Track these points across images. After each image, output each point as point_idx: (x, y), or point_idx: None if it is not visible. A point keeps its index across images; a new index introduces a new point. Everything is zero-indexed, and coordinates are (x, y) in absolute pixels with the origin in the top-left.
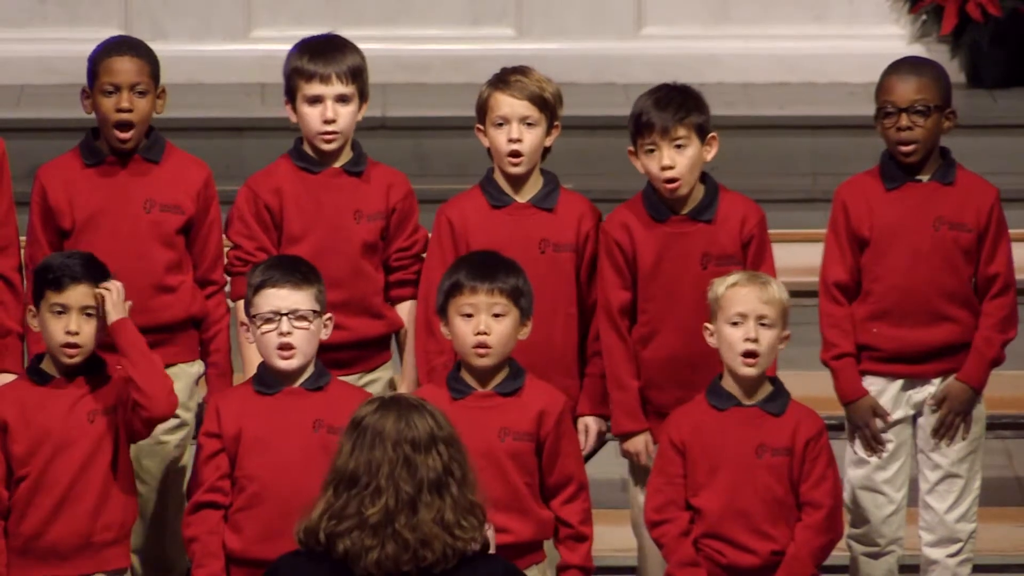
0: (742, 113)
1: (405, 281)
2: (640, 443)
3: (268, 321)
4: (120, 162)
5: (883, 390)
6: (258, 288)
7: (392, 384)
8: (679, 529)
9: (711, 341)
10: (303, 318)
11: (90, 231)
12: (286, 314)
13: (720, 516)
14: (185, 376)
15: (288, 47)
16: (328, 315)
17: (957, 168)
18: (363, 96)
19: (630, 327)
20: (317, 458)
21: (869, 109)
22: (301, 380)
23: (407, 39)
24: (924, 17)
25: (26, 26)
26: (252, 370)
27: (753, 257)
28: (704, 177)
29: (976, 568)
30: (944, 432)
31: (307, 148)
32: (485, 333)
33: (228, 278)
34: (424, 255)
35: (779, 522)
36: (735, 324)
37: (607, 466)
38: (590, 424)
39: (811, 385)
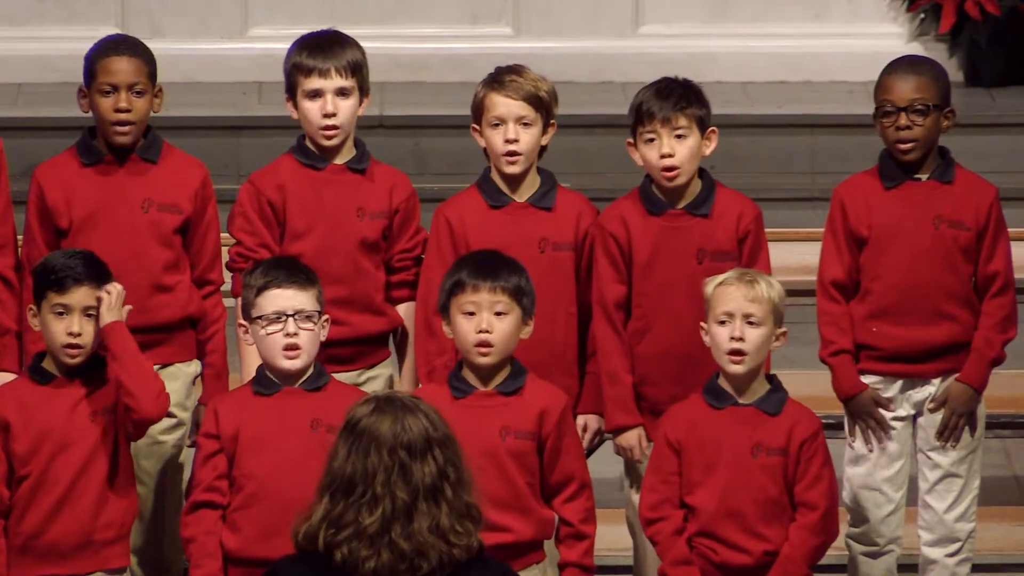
0: (741, 112)
1: (406, 282)
2: (633, 437)
3: (273, 322)
4: (118, 161)
5: (883, 390)
6: (261, 290)
7: (392, 382)
8: (673, 527)
9: (706, 340)
10: (308, 318)
11: (87, 230)
12: (292, 315)
13: (714, 515)
14: (182, 376)
15: (286, 46)
16: (326, 316)
17: (956, 167)
18: (363, 91)
19: (625, 321)
20: (315, 457)
21: (868, 108)
22: (300, 381)
23: (405, 38)
24: (923, 16)
25: (24, 24)
26: (251, 373)
27: (748, 253)
28: (701, 172)
29: (974, 567)
30: (949, 434)
31: (310, 145)
32: (487, 331)
33: (227, 277)
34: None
35: (773, 522)
36: (722, 323)
37: (605, 465)
38: (589, 422)
39: (810, 384)
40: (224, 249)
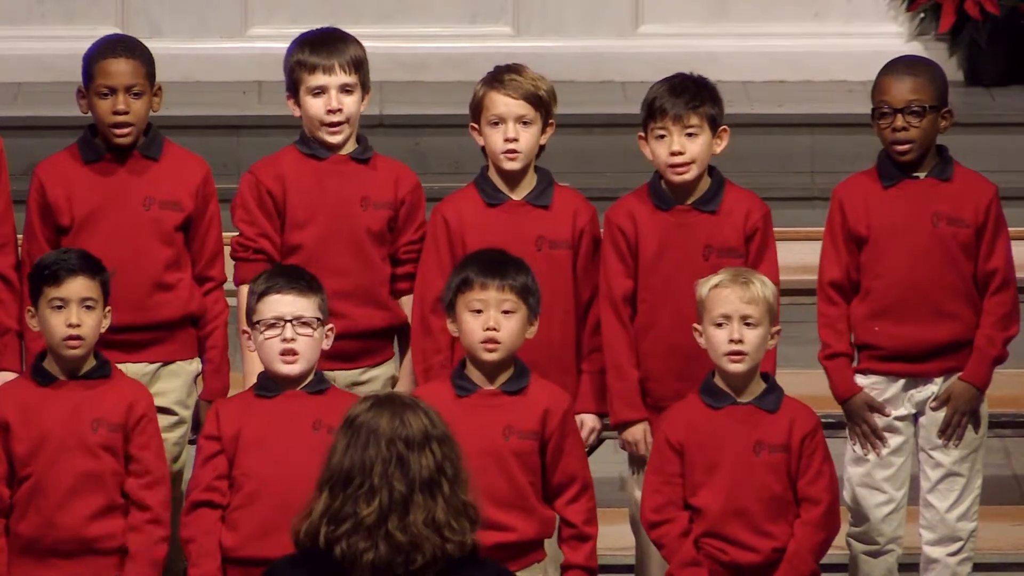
0: (741, 111)
1: (412, 275)
2: (639, 432)
3: (272, 327)
4: (119, 159)
5: (885, 389)
6: (262, 295)
7: (393, 383)
8: (679, 529)
9: (700, 342)
10: (307, 324)
11: (89, 228)
12: (290, 320)
13: (720, 515)
14: (183, 374)
15: (286, 45)
16: (330, 325)
17: (954, 165)
18: (365, 88)
19: (632, 316)
20: (316, 457)
21: (868, 107)
22: (301, 386)
23: (404, 37)
24: (922, 15)
25: (23, 24)
26: (253, 379)
27: (755, 252)
28: (711, 169)
29: (973, 567)
30: (951, 432)
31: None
32: (495, 329)
33: (227, 275)
34: None
35: (778, 519)
36: (719, 325)
37: (605, 464)
38: (587, 421)
39: (810, 383)
40: (227, 246)
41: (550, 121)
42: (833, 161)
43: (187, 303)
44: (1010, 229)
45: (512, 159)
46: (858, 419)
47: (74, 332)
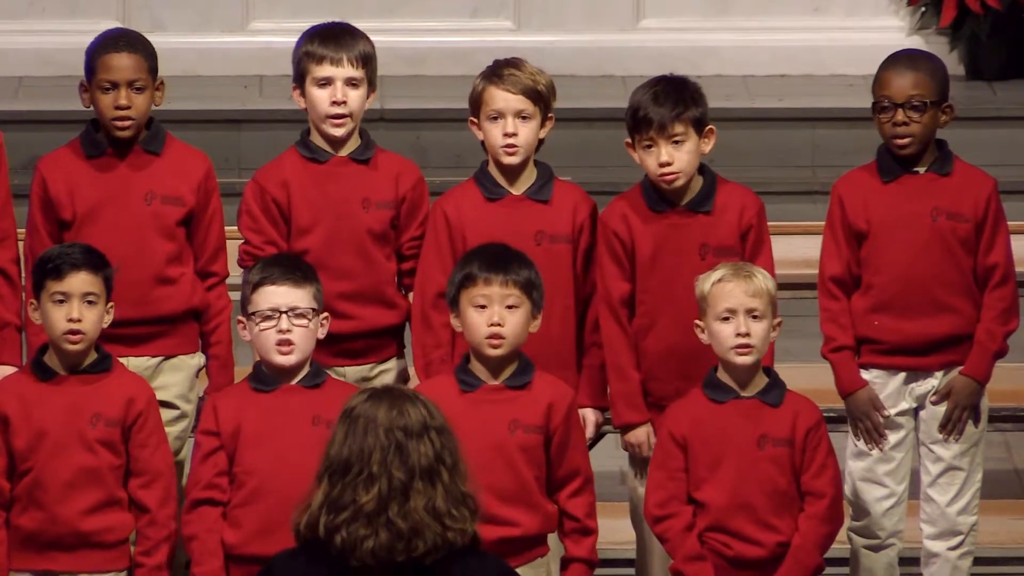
0: (741, 105)
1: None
2: (642, 434)
3: (267, 318)
4: (121, 154)
5: (885, 383)
6: (257, 286)
7: (404, 376)
8: (683, 524)
9: (703, 338)
10: (302, 316)
11: (91, 223)
12: (285, 311)
13: (725, 509)
14: (186, 368)
15: (287, 39)
16: (325, 314)
17: (954, 159)
18: (371, 84)
19: (630, 318)
20: (317, 453)
21: (868, 101)
22: (298, 378)
23: (405, 31)
24: (923, 9)
25: (24, 18)
26: None
27: (751, 247)
28: (702, 168)
29: (974, 560)
30: (952, 427)
31: (315, 138)
32: (499, 324)
33: (230, 271)
34: None
35: (783, 513)
36: (725, 320)
37: (606, 459)
38: (588, 416)
39: (812, 377)
40: (229, 241)
41: (549, 115)
42: (834, 155)
43: (189, 297)
44: (1011, 223)
45: (511, 154)
46: (862, 415)
47: (74, 326)
